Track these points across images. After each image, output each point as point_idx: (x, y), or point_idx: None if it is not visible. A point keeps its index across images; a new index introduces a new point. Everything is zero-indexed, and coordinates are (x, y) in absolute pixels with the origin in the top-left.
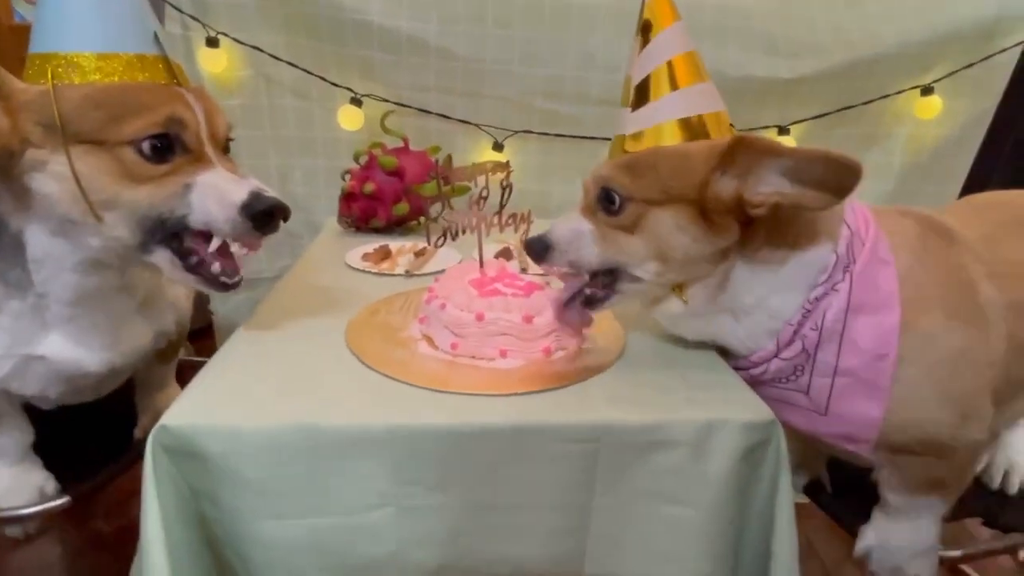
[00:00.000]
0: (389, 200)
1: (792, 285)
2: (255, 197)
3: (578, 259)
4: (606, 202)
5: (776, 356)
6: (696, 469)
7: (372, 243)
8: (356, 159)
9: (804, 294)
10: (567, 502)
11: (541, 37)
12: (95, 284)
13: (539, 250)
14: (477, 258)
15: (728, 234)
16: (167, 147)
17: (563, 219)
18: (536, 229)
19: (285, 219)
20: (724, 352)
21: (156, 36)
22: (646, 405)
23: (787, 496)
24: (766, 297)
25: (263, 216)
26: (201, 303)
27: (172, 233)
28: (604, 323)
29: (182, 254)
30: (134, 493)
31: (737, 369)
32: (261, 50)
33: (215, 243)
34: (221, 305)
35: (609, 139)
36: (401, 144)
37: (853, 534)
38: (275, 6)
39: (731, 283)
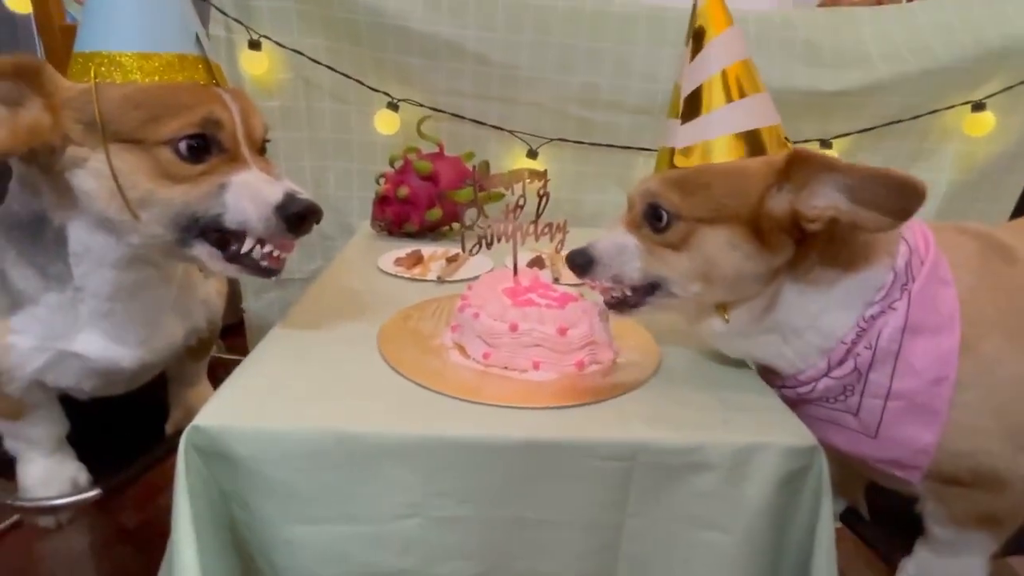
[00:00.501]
0: (423, 205)
1: (846, 304)
2: (289, 199)
3: (621, 274)
4: (652, 218)
5: (826, 375)
6: (733, 494)
7: (405, 248)
8: (391, 163)
9: (859, 312)
10: (598, 520)
11: (578, 44)
12: (132, 280)
13: (582, 264)
14: (510, 266)
15: (782, 253)
16: (203, 147)
17: (606, 233)
18: (570, 238)
19: (317, 221)
20: (766, 370)
21: (197, 37)
22: (683, 425)
23: (828, 526)
24: (817, 317)
25: (296, 218)
26: (233, 301)
27: (210, 229)
28: (639, 337)
29: (220, 245)
30: (161, 487)
31: (782, 387)
32: (302, 53)
33: (248, 243)
34: (253, 303)
35: (644, 149)
36: (436, 149)
37: (890, 564)
38: (316, 10)
39: (779, 304)
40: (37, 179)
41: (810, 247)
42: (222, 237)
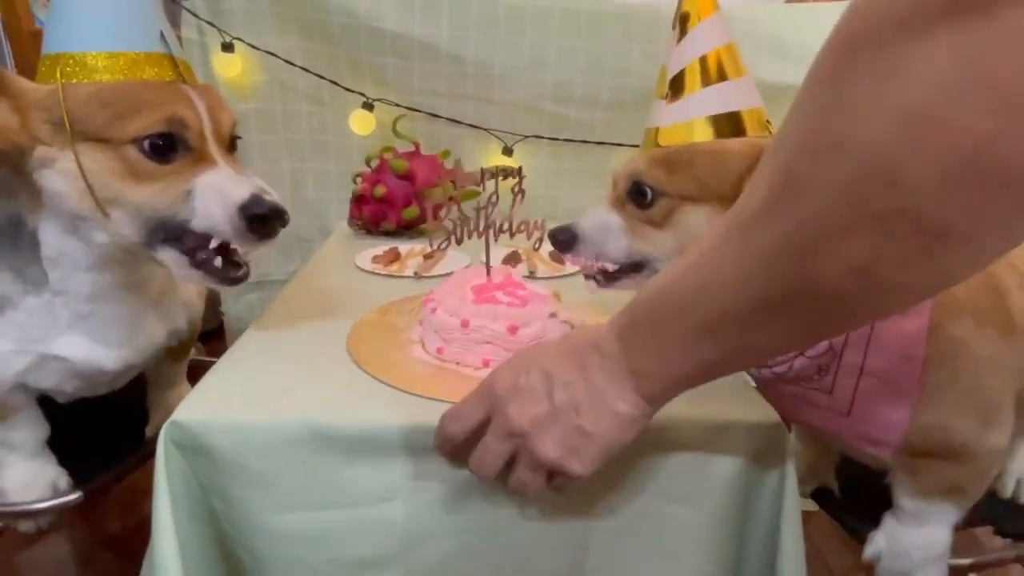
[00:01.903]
0: (399, 203)
1: None
2: (255, 199)
3: (605, 251)
4: (637, 195)
5: (801, 354)
6: (702, 470)
7: (382, 246)
8: (367, 163)
9: None
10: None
11: (550, 42)
12: (110, 281)
13: (565, 240)
14: (485, 263)
15: None
16: (169, 146)
17: (590, 211)
18: (518, 236)
19: (283, 225)
20: None
21: (162, 34)
22: None
23: (793, 502)
24: None
25: (259, 219)
26: (213, 305)
27: (175, 234)
28: None
29: (187, 251)
30: (144, 493)
31: (759, 367)
32: (275, 55)
33: (214, 243)
34: (232, 306)
35: (618, 144)
36: (412, 148)
37: (861, 541)
38: (289, 12)
39: None
40: (12, 181)
41: None
42: (188, 242)
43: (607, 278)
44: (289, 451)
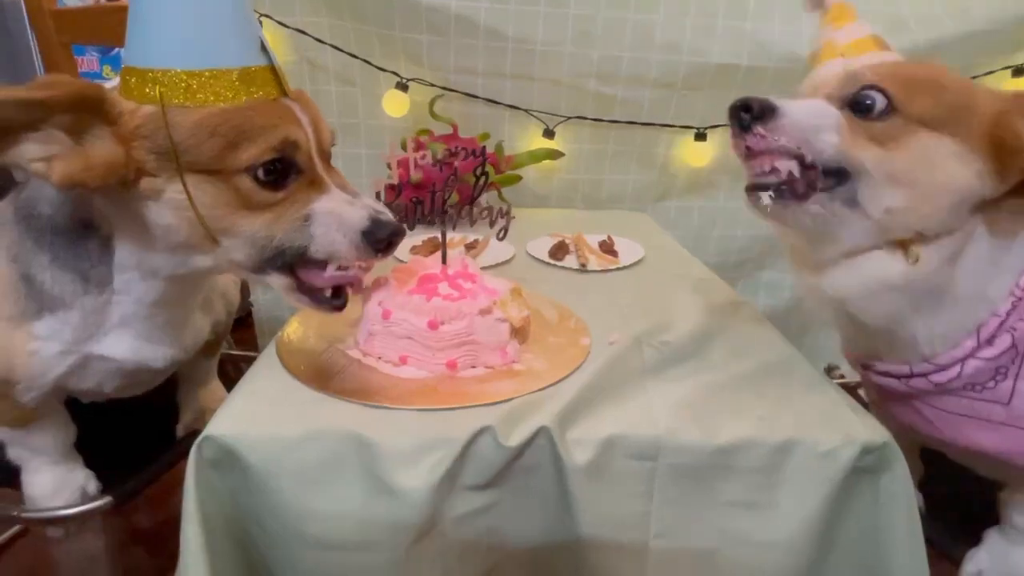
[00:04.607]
0: (437, 185)
1: (1011, 267)
2: (376, 223)
3: (811, 140)
4: (863, 104)
5: (973, 355)
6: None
7: (421, 235)
8: (403, 146)
9: (1015, 277)
10: None
11: (596, 15)
12: (178, 287)
13: (759, 110)
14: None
15: (1007, 183)
16: (283, 171)
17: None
18: (586, 220)
19: (402, 238)
20: (867, 357)
21: (263, 44)
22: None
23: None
24: (989, 277)
25: (385, 242)
26: (241, 294)
27: (291, 261)
28: (568, 345)
29: (297, 277)
30: (173, 486)
31: (909, 377)
32: (305, 33)
33: (331, 268)
34: (262, 295)
35: (667, 125)
36: (450, 131)
37: (950, 559)
38: None
39: (966, 252)
40: (88, 193)
41: (1015, 190)
42: (302, 266)
43: (793, 192)
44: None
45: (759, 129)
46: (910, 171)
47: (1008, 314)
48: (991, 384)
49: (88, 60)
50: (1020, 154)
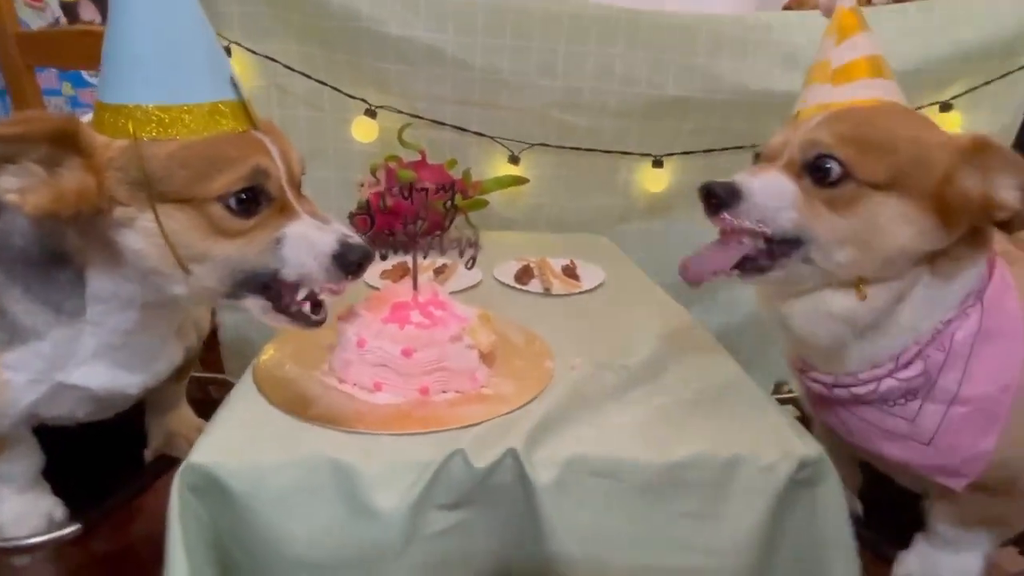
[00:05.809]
0: (408, 215)
1: (943, 303)
2: (346, 247)
3: (770, 219)
4: (819, 171)
5: (891, 375)
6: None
7: (390, 260)
8: (373, 172)
9: (943, 314)
10: None
11: (559, 48)
12: (153, 315)
13: (725, 195)
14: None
15: (954, 235)
16: (253, 199)
17: (755, 172)
18: (552, 244)
19: (371, 261)
20: (805, 364)
21: (232, 80)
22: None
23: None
24: (925, 312)
25: (356, 265)
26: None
27: (263, 284)
28: (533, 369)
29: (271, 297)
30: (137, 511)
31: (833, 386)
32: (274, 60)
33: (302, 292)
34: (228, 317)
35: (627, 153)
36: (419, 157)
37: (885, 560)
38: (288, 15)
39: (912, 291)
40: (61, 224)
41: (959, 237)
42: (272, 293)
43: (755, 267)
44: (306, 489)
45: (725, 215)
46: (858, 233)
47: (927, 344)
48: (902, 401)
49: (46, 76)
50: (965, 213)
